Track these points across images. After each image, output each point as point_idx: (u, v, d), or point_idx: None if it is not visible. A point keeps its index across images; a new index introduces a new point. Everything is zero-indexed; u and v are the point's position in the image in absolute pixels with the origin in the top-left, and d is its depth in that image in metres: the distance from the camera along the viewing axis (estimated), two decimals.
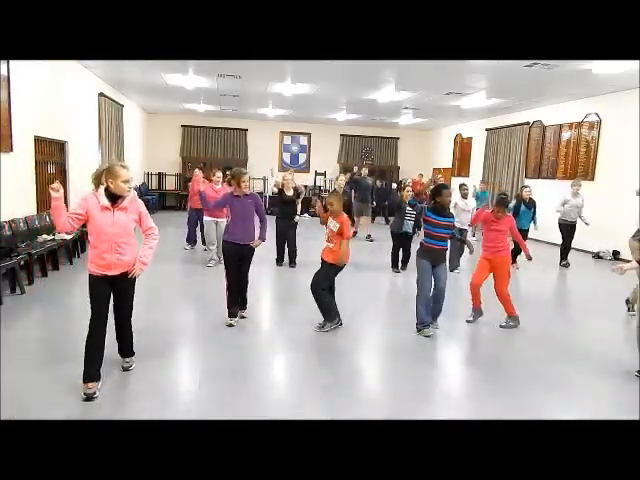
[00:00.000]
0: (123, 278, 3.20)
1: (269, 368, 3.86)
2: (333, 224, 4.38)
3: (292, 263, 7.40)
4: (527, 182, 11.89)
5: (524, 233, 7.49)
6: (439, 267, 4.57)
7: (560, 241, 8.53)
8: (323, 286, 4.50)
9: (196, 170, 8.87)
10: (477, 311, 5.05)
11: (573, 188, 8.25)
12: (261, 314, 5.29)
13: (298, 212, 7.45)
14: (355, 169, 11.53)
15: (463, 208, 7.50)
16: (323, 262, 4.53)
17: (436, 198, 4.59)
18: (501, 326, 4.93)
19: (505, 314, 4.97)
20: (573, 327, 5.36)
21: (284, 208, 7.38)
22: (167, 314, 4.96)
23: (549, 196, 9.46)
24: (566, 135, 10.76)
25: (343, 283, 5.17)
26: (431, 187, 7.35)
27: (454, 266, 7.31)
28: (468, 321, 5.02)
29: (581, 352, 4.42)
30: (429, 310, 4.62)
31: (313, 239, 8.57)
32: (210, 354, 3.96)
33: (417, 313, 4.60)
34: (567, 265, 8.36)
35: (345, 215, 4.44)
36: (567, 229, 8.32)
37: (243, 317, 4.78)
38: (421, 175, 14.55)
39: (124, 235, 3.14)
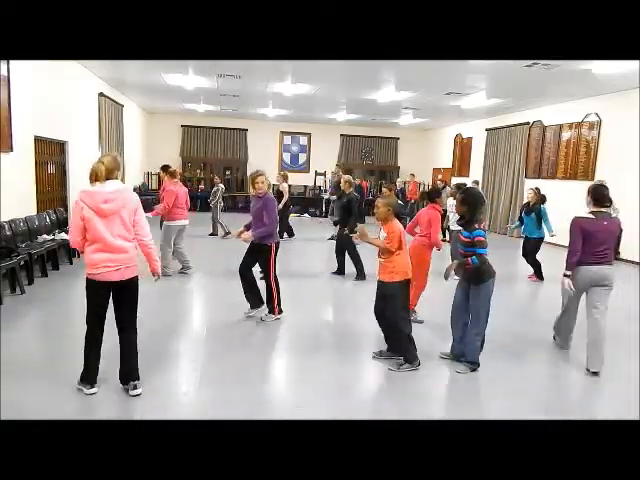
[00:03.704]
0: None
1: (269, 368, 3.86)
2: (382, 233, 3.73)
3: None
4: (527, 182, 11.91)
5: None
6: (470, 290, 3.77)
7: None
8: (403, 314, 3.70)
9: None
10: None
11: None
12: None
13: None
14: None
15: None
16: (382, 284, 3.75)
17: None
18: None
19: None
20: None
21: None
22: (164, 313, 4.96)
23: (549, 196, 9.44)
24: (566, 135, 10.76)
25: (343, 290, 5.12)
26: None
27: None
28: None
29: (578, 352, 4.41)
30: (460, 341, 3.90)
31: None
32: (210, 354, 3.96)
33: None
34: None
35: (397, 223, 3.69)
36: None
37: (250, 316, 4.81)
38: (412, 175, 14.58)
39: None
